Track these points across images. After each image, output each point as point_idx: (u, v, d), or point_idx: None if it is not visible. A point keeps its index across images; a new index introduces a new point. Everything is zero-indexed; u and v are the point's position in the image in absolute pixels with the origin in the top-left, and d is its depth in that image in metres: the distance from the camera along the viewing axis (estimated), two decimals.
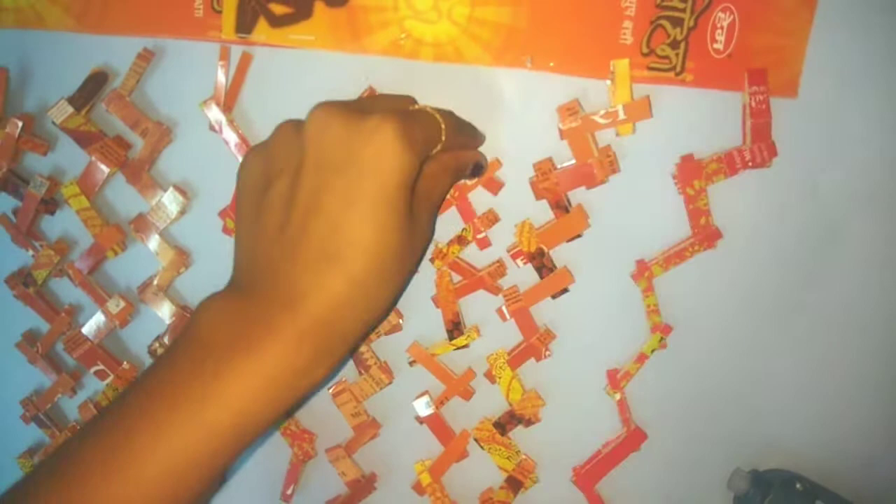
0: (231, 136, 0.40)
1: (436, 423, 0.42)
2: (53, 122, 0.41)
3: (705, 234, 0.39)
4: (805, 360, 0.41)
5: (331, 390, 0.43)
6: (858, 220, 0.39)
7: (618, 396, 0.41)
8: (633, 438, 0.42)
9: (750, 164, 0.38)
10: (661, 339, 0.40)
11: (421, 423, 0.43)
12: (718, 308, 0.41)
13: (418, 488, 0.43)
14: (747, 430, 0.42)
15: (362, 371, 0.43)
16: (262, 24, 0.39)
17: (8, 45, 0.42)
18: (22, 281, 0.44)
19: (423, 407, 0.42)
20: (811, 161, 0.39)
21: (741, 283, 0.40)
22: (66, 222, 0.43)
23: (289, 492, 0.45)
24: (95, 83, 0.41)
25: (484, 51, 0.38)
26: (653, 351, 0.41)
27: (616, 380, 0.41)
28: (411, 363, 0.42)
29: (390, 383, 0.42)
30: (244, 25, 0.39)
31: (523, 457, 0.43)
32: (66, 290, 0.45)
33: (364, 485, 0.44)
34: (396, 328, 0.42)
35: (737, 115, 0.38)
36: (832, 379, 0.41)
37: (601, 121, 0.38)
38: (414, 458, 0.44)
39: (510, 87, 0.39)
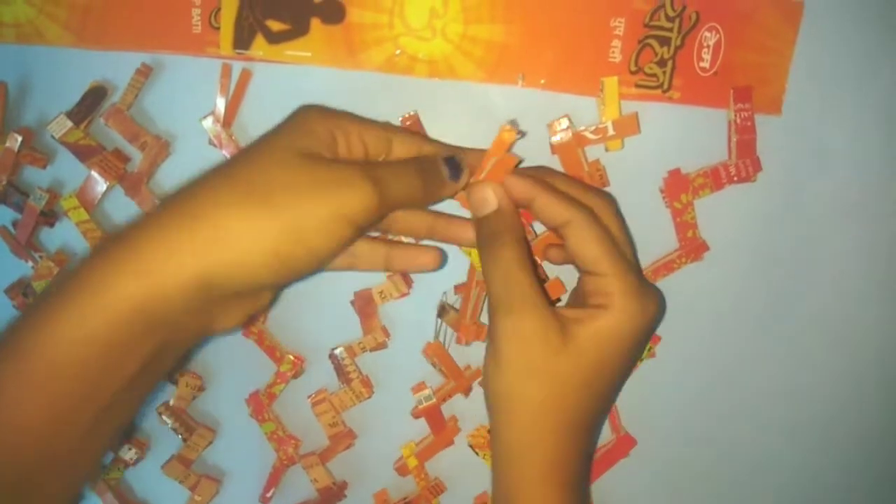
0: (231, 151, 0.41)
1: (432, 414, 0.43)
2: (53, 137, 0.41)
3: (692, 247, 0.40)
4: (792, 367, 0.43)
5: (311, 398, 0.44)
6: (841, 233, 0.40)
7: None
8: (622, 445, 0.43)
9: (735, 178, 0.39)
10: (650, 348, 0.41)
11: (417, 417, 0.44)
12: (706, 318, 0.42)
13: (402, 469, 0.45)
14: (735, 437, 0.44)
15: (344, 383, 0.44)
16: (259, 40, 0.40)
17: (7, 59, 0.42)
18: (22, 292, 0.45)
19: (424, 399, 0.43)
20: (795, 176, 0.40)
21: (728, 294, 0.41)
22: (65, 234, 0.44)
23: (268, 494, 0.46)
24: (94, 97, 0.42)
25: (477, 67, 0.39)
26: (643, 360, 0.42)
27: None
28: (438, 369, 0.43)
29: (370, 397, 0.44)
30: (241, 41, 0.40)
31: None
32: None
33: (335, 492, 0.45)
34: (382, 345, 0.43)
35: (722, 132, 0.39)
36: (819, 385, 0.43)
37: (591, 136, 0.39)
38: (386, 469, 0.45)
39: (502, 103, 0.39)
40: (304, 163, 0.30)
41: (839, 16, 0.38)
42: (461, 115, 0.40)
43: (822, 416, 0.43)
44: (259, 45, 0.40)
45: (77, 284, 0.28)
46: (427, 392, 0.43)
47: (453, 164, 0.34)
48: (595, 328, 0.33)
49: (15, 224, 0.44)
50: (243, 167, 0.30)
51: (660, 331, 0.42)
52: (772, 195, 0.40)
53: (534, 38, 0.38)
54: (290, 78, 0.40)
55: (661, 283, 0.40)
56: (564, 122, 0.38)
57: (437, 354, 0.42)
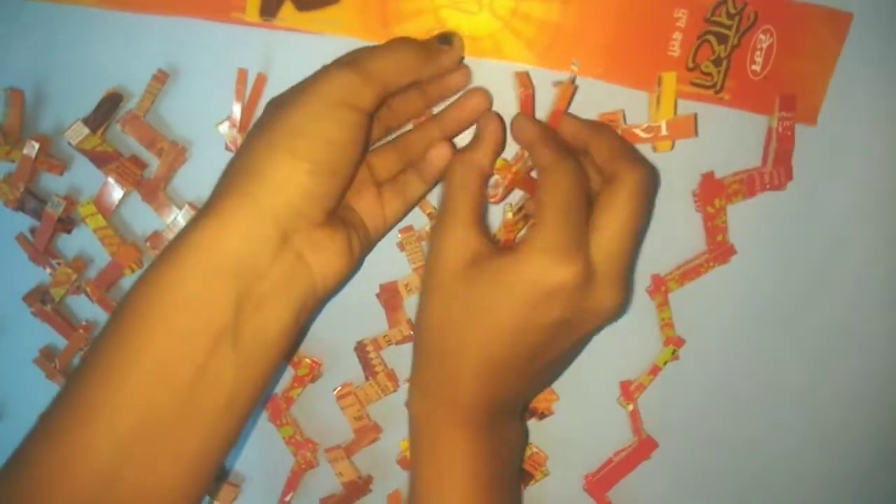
0: None
1: None
2: (69, 143, 0.41)
3: (720, 251, 0.40)
4: (815, 372, 0.42)
5: (336, 392, 0.44)
6: (868, 244, 0.40)
7: (630, 407, 0.42)
8: (644, 447, 0.43)
9: (768, 186, 0.39)
10: (674, 351, 0.41)
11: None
12: (730, 322, 0.42)
13: (403, 463, 0.45)
14: (757, 440, 0.43)
15: (369, 376, 0.44)
16: (287, 6, 0.37)
17: (23, 66, 0.42)
18: (39, 298, 0.45)
19: None
20: (824, 186, 0.40)
21: (752, 298, 0.41)
22: (82, 240, 0.44)
23: (287, 498, 0.46)
24: (110, 104, 0.42)
25: (527, 48, 0.36)
26: (665, 363, 0.41)
27: (629, 391, 0.42)
28: None
29: (395, 391, 0.44)
30: (269, 8, 0.38)
31: (535, 450, 0.43)
32: (84, 307, 0.45)
33: (360, 486, 0.45)
34: (407, 338, 0.43)
35: (759, 137, 0.39)
36: (841, 391, 0.43)
37: (642, 135, 0.38)
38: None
39: (547, 88, 0.38)
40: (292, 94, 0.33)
41: (885, 32, 0.38)
42: (502, 98, 0.38)
43: (845, 421, 0.43)
44: (287, 13, 0.38)
45: (177, 243, 0.31)
46: None
47: (443, 36, 0.36)
48: (494, 265, 0.33)
49: (32, 231, 0.44)
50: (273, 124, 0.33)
51: (683, 334, 0.41)
52: (800, 204, 0.40)
53: (593, 20, 0.36)
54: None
55: (687, 287, 0.41)
56: (619, 118, 0.37)
57: None
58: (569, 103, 0.36)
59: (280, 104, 0.33)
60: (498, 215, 0.40)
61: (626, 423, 0.43)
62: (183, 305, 0.30)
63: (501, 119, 0.36)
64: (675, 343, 0.41)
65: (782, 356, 0.42)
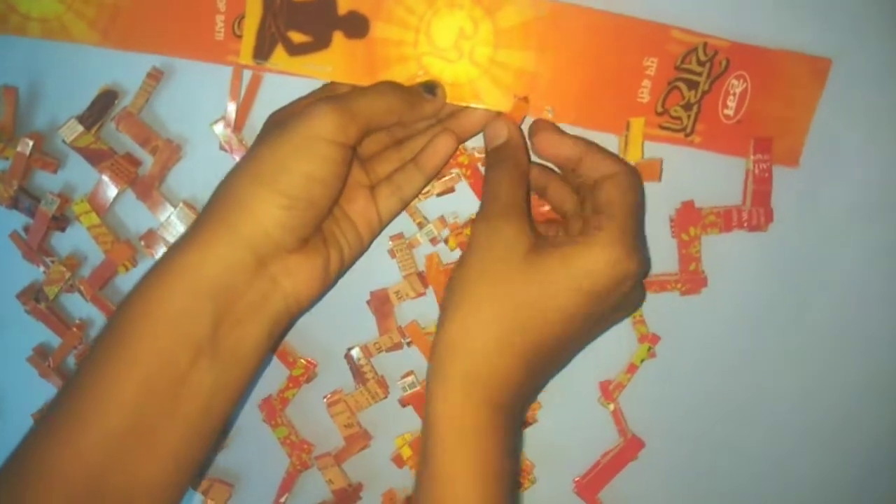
0: (241, 155, 0.41)
1: (419, 401, 0.43)
2: (64, 141, 0.41)
3: (692, 280, 0.40)
4: (800, 366, 0.43)
5: (326, 399, 0.44)
6: (850, 297, 0.41)
7: (612, 407, 0.42)
8: (630, 447, 0.43)
9: (746, 225, 0.39)
10: (650, 348, 0.41)
11: (405, 404, 0.43)
12: (708, 317, 0.42)
13: (398, 461, 0.45)
14: (744, 436, 0.43)
15: (360, 384, 0.43)
16: (279, 51, 0.39)
17: (17, 64, 0.42)
18: (33, 296, 0.45)
19: (407, 386, 0.43)
20: (805, 228, 0.40)
21: (731, 300, 0.42)
22: (76, 238, 0.44)
23: (282, 500, 0.46)
24: (105, 102, 0.41)
25: (504, 95, 0.38)
26: (642, 361, 0.42)
27: (609, 391, 0.42)
28: (409, 343, 0.43)
29: (385, 398, 0.43)
30: (262, 51, 0.39)
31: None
32: (78, 305, 0.45)
33: (350, 494, 0.45)
34: (398, 346, 0.43)
35: (738, 179, 0.39)
36: (828, 388, 0.43)
37: None
38: (399, 472, 0.45)
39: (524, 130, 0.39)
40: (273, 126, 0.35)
41: (864, 76, 0.38)
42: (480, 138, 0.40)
43: (836, 419, 0.43)
44: (279, 56, 0.39)
45: (164, 264, 0.33)
46: (410, 379, 0.43)
47: (428, 85, 0.38)
48: (565, 254, 0.33)
49: (26, 229, 0.44)
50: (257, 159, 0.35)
51: (661, 330, 0.42)
52: (780, 246, 0.40)
53: (565, 69, 0.38)
54: (300, 83, 0.39)
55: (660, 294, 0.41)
56: None
57: (413, 335, 0.42)
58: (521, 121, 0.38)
59: (272, 128, 0.35)
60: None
61: (610, 423, 0.43)
62: (168, 321, 0.32)
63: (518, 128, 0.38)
64: (649, 340, 0.41)
65: (768, 353, 0.42)
